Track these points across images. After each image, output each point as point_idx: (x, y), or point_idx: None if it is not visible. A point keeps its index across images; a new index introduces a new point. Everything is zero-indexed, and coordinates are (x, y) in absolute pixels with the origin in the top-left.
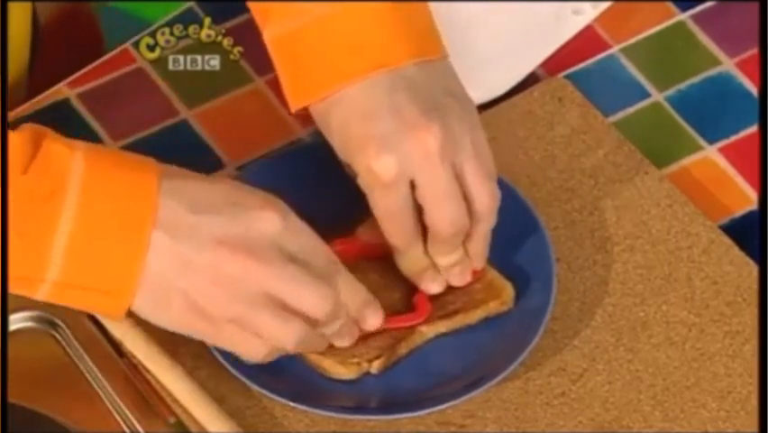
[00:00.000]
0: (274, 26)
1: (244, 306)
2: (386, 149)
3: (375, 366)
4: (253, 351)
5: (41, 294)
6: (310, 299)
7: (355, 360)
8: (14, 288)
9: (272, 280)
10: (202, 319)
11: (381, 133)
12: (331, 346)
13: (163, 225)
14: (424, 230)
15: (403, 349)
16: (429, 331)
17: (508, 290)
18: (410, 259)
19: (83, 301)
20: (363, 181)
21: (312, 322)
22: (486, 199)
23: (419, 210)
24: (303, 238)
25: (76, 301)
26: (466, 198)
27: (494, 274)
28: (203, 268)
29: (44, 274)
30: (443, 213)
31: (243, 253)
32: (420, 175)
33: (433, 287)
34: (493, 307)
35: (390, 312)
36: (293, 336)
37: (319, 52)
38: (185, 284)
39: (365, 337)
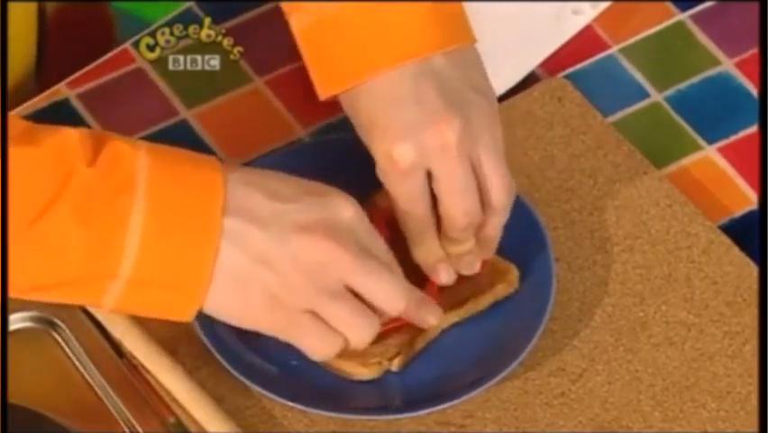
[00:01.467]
0: (303, 14)
1: (326, 296)
2: (405, 137)
3: (395, 364)
4: (326, 345)
5: (110, 297)
6: (387, 294)
7: (375, 360)
8: (77, 292)
9: (354, 270)
10: (279, 310)
11: (403, 122)
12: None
13: (237, 213)
14: (438, 221)
15: (420, 343)
16: (443, 322)
17: (513, 271)
18: (426, 250)
19: (154, 301)
20: (381, 167)
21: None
22: (502, 195)
23: (435, 201)
24: (370, 229)
25: (146, 302)
26: (481, 191)
27: (496, 258)
28: (286, 256)
29: (117, 270)
30: (457, 205)
31: (328, 238)
32: (437, 166)
33: (445, 277)
34: (501, 290)
35: None
36: (367, 331)
37: (348, 42)
38: (264, 273)
39: (381, 336)
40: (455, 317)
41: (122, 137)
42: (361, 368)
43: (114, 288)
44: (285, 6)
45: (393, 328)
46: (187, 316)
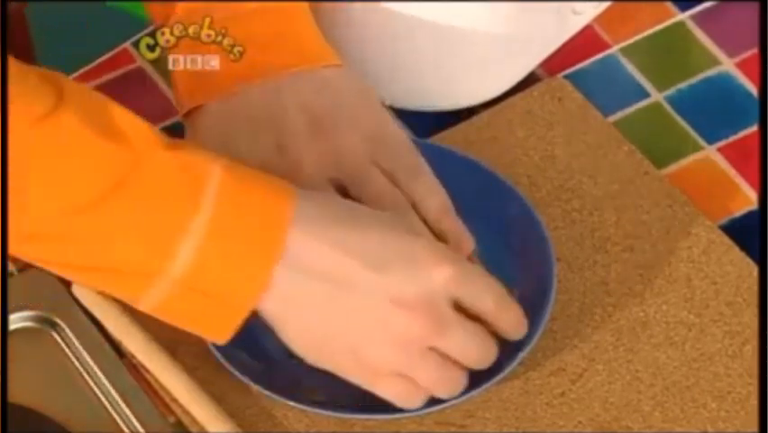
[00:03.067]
0: None
1: (411, 361)
2: None
3: None
4: (410, 400)
5: (154, 295)
6: (475, 357)
7: None
8: (122, 282)
9: (444, 340)
10: (359, 367)
11: None
12: None
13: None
14: None
15: None
16: None
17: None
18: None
19: (195, 309)
20: None
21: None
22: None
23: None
24: (476, 284)
25: (187, 308)
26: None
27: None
28: (372, 324)
29: (167, 266)
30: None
31: (420, 314)
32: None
33: None
34: None
35: None
36: (454, 388)
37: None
38: (346, 333)
39: None
40: None
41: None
42: None
43: (161, 286)
44: None
45: None
46: (224, 334)
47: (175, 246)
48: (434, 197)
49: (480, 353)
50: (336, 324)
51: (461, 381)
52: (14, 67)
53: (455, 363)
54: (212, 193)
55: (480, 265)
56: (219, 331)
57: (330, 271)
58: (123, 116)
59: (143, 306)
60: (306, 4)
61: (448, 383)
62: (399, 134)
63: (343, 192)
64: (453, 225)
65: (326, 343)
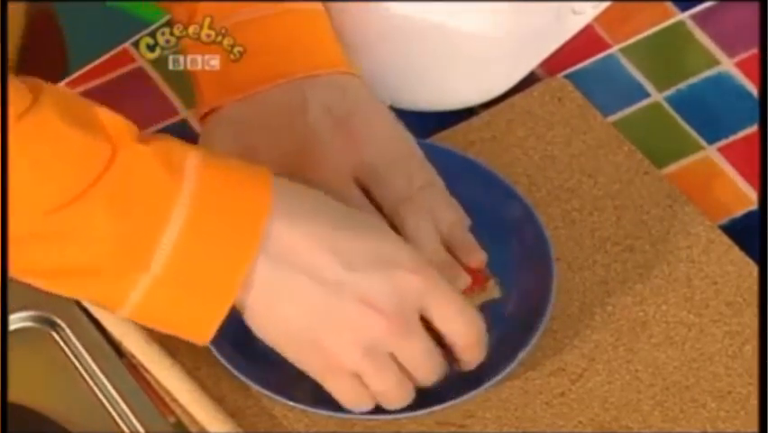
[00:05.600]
0: None
1: (370, 364)
2: None
3: None
4: (357, 402)
5: (133, 295)
6: (424, 374)
7: None
8: (100, 284)
9: (406, 348)
10: (319, 360)
11: None
12: None
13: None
14: None
15: None
16: None
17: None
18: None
19: (177, 308)
20: None
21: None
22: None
23: None
24: (449, 302)
25: (169, 309)
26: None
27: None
28: (339, 321)
29: (148, 261)
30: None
31: (387, 317)
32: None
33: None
34: (477, 299)
35: None
36: (402, 401)
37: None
38: (311, 326)
39: None
40: None
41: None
42: None
43: (142, 284)
44: None
45: None
46: (207, 332)
47: (154, 241)
48: (449, 209)
49: (430, 371)
50: (303, 316)
51: (410, 396)
52: None
53: (409, 377)
54: (190, 185)
55: (493, 282)
56: (202, 329)
57: (303, 265)
58: (99, 112)
59: (124, 309)
60: (323, 10)
61: (398, 395)
62: (416, 149)
63: (366, 192)
64: (465, 238)
65: (291, 333)
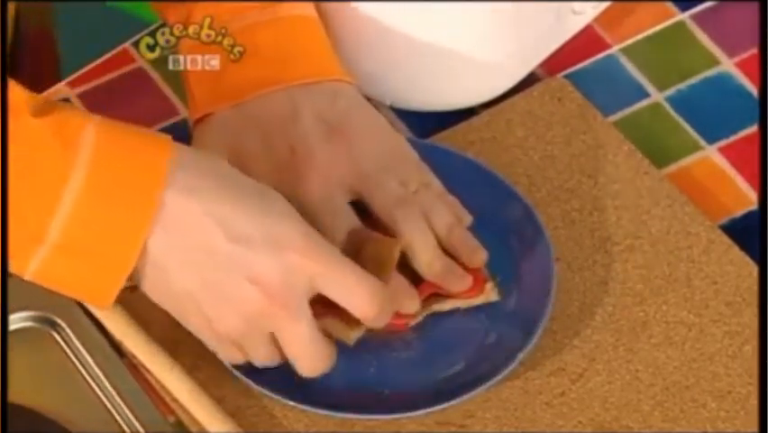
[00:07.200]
0: None
1: (250, 337)
2: None
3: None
4: (231, 357)
5: (35, 263)
6: (309, 365)
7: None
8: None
9: (288, 330)
10: (208, 329)
11: None
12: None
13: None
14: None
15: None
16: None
17: (488, 282)
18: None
19: (76, 273)
20: None
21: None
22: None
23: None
24: (344, 281)
25: (68, 273)
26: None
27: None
28: (226, 294)
29: (45, 234)
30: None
31: (271, 296)
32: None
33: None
34: (476, 301)
35: None
36: (269, 363)
37: None
38: (201, 298)
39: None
40: (437, 306)
41: (75, 107)
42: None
43: (42, 250)
44: None
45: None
46: (106, 298)
47: (49, 213)
48: (446, 210)
49: (311, 360)
50: (194, 287)
51: (278, 361)
52: None
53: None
54: (86, 153)
55: (491, 284)
56: (101, 295)
57: (196, 235)
58: None
59: (25, 275)
60: (316, 17)
61: (268, 361)
62: (410, 152)
63: (362, 199)
64: (465, 238)
65: (182, 301)
